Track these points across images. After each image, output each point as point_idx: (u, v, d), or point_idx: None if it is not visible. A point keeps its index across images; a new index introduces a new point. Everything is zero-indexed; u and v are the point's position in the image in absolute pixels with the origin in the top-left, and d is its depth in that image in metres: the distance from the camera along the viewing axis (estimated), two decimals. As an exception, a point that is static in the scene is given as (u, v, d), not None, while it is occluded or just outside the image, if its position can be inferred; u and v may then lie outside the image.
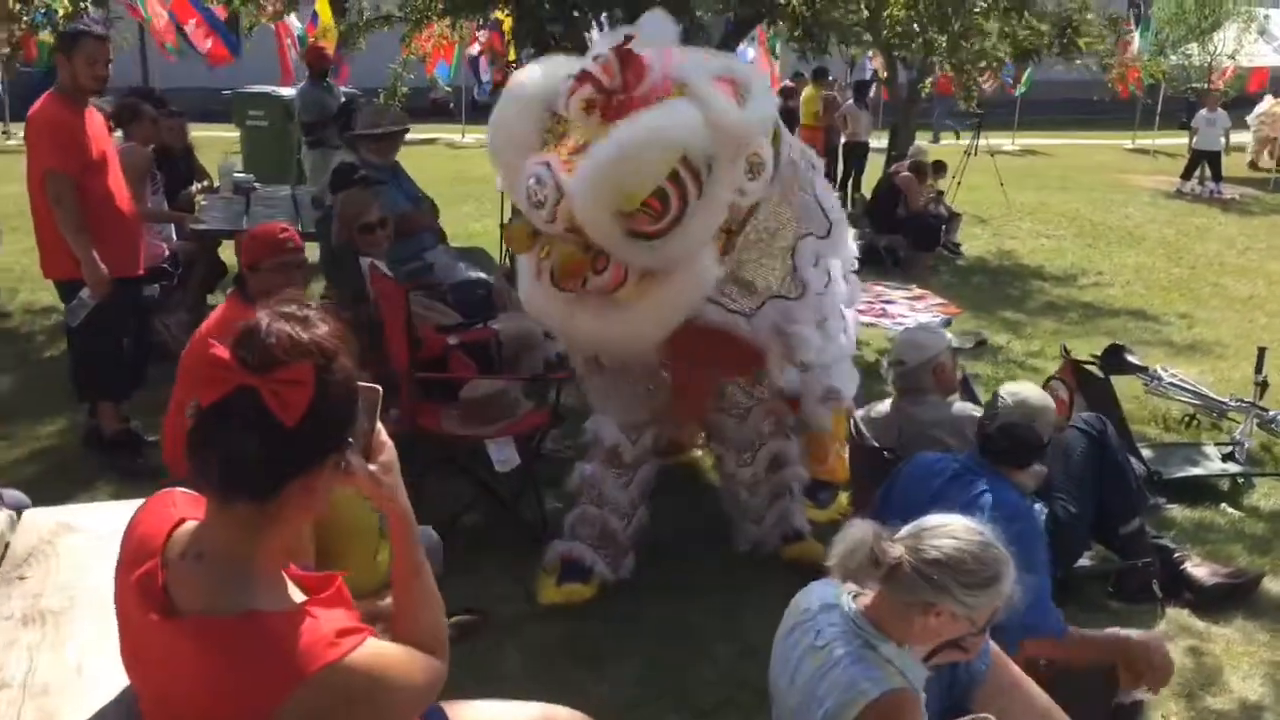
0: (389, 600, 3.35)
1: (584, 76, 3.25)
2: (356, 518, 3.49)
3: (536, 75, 3.48)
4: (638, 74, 3.22)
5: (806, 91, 14.41)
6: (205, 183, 7.62)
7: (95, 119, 4.88)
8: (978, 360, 7.30)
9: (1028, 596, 2.79)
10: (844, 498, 4.65)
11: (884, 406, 4.25)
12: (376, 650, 1.58)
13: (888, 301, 9.33)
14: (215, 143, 12.90)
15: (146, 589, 1.55)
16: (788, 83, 16.00)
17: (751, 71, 3.70)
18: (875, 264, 10.50)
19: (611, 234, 3.16)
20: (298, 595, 1.63)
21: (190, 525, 1.60)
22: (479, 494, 4.38)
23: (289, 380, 1.47)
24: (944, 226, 11.14)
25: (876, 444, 4.15)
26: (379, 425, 1.78)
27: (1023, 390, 3.45)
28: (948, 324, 8.42)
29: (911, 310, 9.02)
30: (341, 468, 1.60)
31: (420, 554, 1.81)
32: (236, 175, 7.69)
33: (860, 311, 8.70)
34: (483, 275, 5.83)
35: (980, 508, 3.03)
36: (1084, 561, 4.14)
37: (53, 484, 4.50)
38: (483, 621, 3.64)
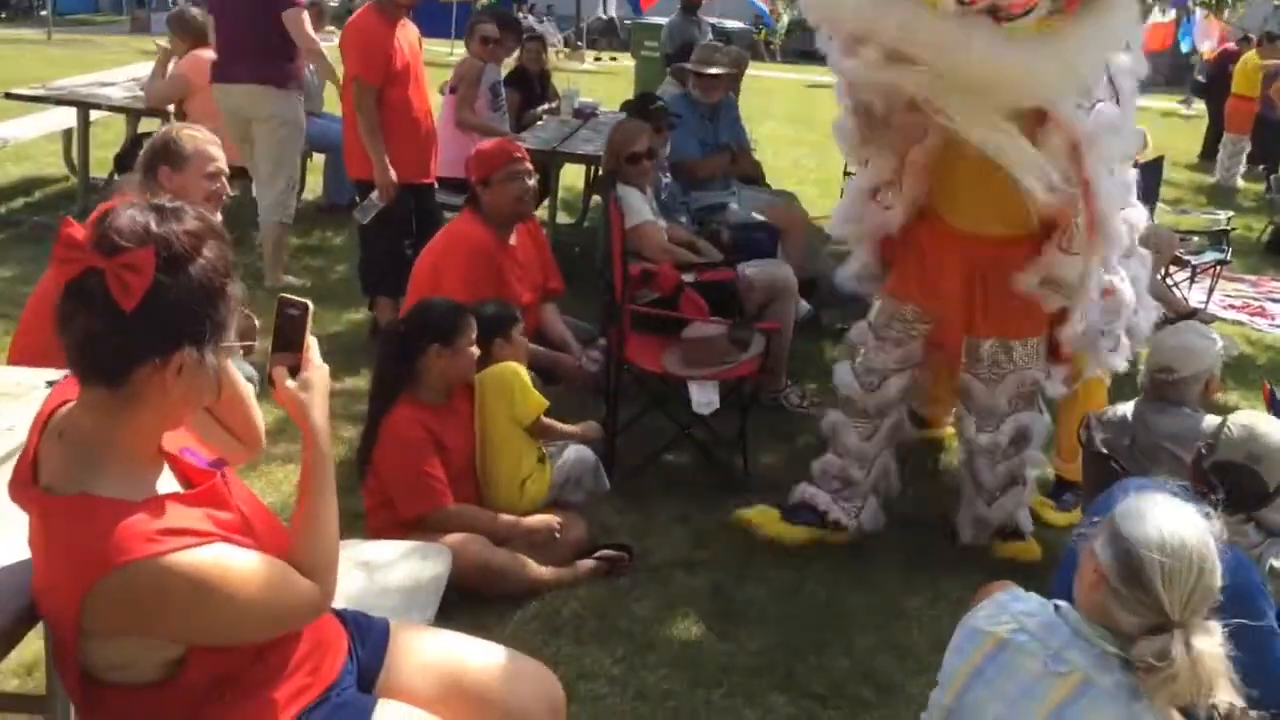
0: (531, 519, 3.45)
1: None
2: (508, 444, 3.57)
3: None
4: None
5: (1246, 57, 12.72)
6: (553, 104, 7.98)
7: (408, 32, 5.23)
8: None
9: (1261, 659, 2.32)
10: None
11: (1124, 408, 3.70)
12: (217, 556, 1.58)
13: (1275, 299, 8.13)
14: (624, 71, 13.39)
15: (23, 458, 1.64)
16: (1229, 45, 14.20)
17: None
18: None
19: None
20: (172, 486, 1.66)
21: (73, 401, 1.66)
22: (681, 435, 4.31)
23: (128, 265, 1.49)
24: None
25: (1105, 450, 3.64)
26: (310, 342, 1.79)
27: (1258, 424, 2.83)
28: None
29: (1303, 313, 7.82)
30: (205, 367, 1.59)
31: (326, 475, 1.80)
32: (580, 100, 7.95)
33: (1234, 306, 7.76)
34: (765, 220, 5.72)
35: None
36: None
37: (333, 366, 4.91)
38: (628, 558, 3.60)
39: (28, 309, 3.34)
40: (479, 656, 2.07)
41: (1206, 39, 15.97)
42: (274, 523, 1.81)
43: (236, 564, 1.60)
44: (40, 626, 1.76)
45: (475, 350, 3.48)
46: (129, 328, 1.51)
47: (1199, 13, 11.99)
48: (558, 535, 3.48)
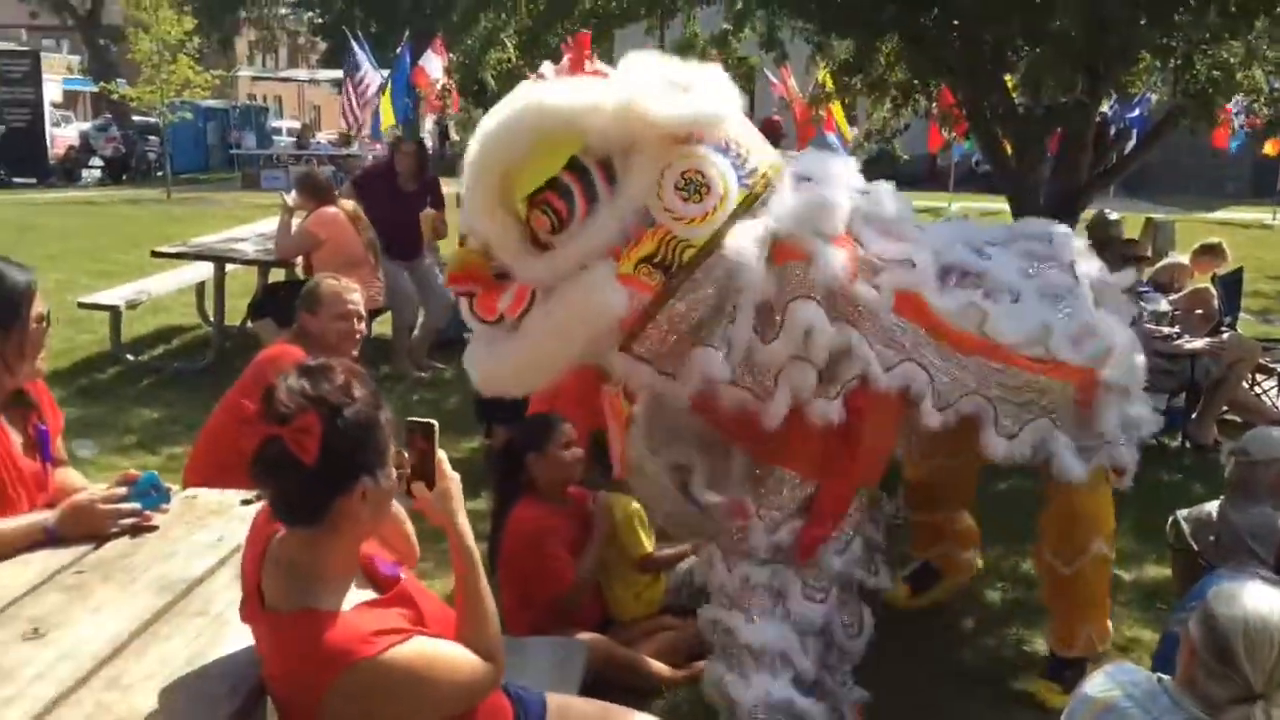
0: (651, 623, 3.73)
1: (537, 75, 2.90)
2: (619, 561, 3.89)
3: None
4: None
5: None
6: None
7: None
8: None
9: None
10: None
11: (1210, 506, 3.89)
12: (420, 648, 1.91)
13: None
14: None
15: (248, 586, 2.00)
16: None
17: (704, 74, 2.94)
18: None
19: (506, 237, 2.79)
20: (368, 595, 2.00)
21: (281, 534, 2.01)
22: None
23: (299, 429, 1.84)
24: None
25: (1194, 546, 3.82)
26: (441, 455, 2.11)
27: None
28: None
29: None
30: (382, 489, 1.95)
31: (477, 569, 2.11)
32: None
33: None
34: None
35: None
36: None
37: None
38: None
39: (203, 439, 3.79)
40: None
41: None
42: (448, 612, 2.13)
43: (437, 653, 1.95)
44: None
45: (571, 453, 3.78)
46: (315, 477, 1.86)
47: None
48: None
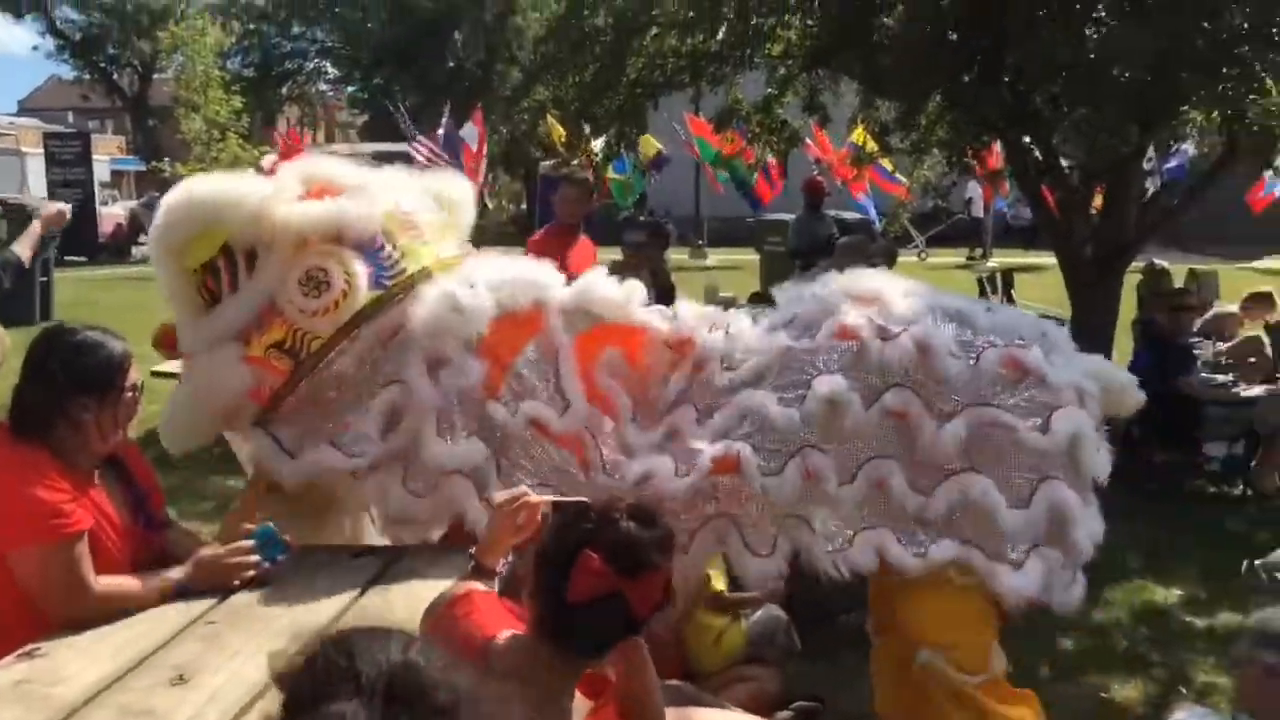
0: (732, 673, 3.80)
1: None
2: (694, 602, 3.95)
3: None
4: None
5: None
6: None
7: (583, 245, 5.93)
8: None
9: None
10: None
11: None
12: None
13: None
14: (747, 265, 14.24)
15: None
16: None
17: (370, 177, 3.24)
18: None
19: (177, 302, 3.15)
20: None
21: (506, 641, 1.96)
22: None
23: (651, 585, 1.87)
24: None
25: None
26: None
27: None
28: None
29: None
30: None
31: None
32: (722, 295, 8.60)
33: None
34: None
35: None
36: None
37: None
38: (821, 708, 3.89)
39: None
40: None
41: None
42: None
43: None
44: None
45: None
46: (633, 629, 1.90)
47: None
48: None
